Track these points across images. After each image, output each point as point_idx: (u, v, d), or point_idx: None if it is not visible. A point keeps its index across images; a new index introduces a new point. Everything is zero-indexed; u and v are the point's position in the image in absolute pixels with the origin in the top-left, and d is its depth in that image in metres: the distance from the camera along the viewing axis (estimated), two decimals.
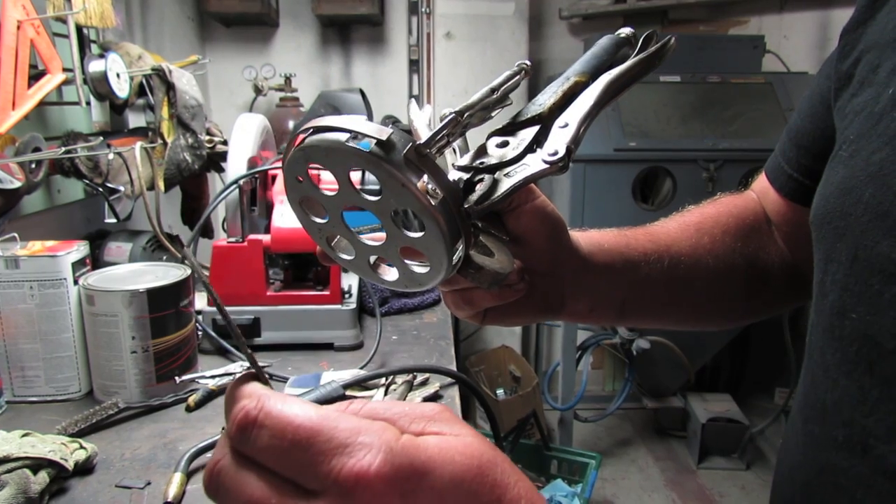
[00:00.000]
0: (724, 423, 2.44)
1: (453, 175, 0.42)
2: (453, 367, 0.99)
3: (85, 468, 0.71)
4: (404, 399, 0.88)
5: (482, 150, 0.43)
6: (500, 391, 2.49)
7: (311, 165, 0.39)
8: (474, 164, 0.42)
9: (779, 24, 2.75)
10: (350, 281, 1.16)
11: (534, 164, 0.40)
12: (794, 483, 0.46)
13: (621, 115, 2.16)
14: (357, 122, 0.36)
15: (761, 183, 0.61)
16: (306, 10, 2.36)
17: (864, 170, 0.39)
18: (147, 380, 0.86)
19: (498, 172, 0.41)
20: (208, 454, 0.74)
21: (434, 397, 0.90)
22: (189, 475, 0.70)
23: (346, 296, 1.11)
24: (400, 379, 0.91)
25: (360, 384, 0.89)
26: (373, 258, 0.45)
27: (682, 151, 2.15)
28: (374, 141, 0.35)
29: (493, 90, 0.42)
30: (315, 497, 0.26)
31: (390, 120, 1.73)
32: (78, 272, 0.88)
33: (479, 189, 0.41)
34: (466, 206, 0.40)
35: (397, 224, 0.40)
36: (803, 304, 0.57)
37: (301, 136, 0.39)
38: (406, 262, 0.43)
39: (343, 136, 0.36)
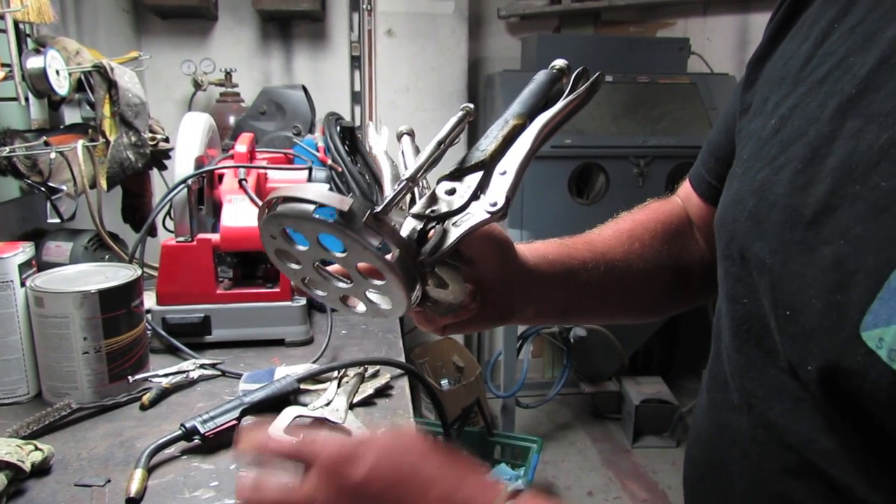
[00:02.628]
0: (655, 404, 2.58)
1: (409, 224, 0.48)
2: (402, 360, 1.04)
3: (42, 469, 0.72)
4: (356, 391, 0.92)
5: (433, 197, 0.49)
6: (444, 381, 2.55)
7: (284, 227, 0.45)
8: (426, 213, 0.48)
9: (702, 27, 2.90)
10: None
11: (477, 213, 0.46)
12: (700, 442, 0.54)
13: None
14: (322, 194, 0.42)
15: (685, 188, 0.69)
16: (246, 3, 2.34)
17: (750, 185, 0.46)
18: (100, 380, 0.87)
19: (447, 221, 0.47)
20: (168, 450, 0.76)
21: (385, 388, 0.94)
22: (149, 471, 0.72)
23: (295, 292, 1.14)
24: (352, 372, 0.95)
25: (314, 378, 0.93)
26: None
27: (615, 148, 2.25)
28: (337, 211, 0.41)
29: (440, 143, 0.48)
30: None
31: (333, 117, 1.75)
32: (24, 274, 0.87)
33: (432, 240, 0.47)
34: (421, 257, 0.46)
35: (363, 274, 0.47)
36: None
37: (272, 201, 0.45)
38: (372, 300, 0.49)
39: (310, 207, 0.42)
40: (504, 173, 0.47)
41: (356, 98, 2.59)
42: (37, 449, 0.72)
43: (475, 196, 0.47)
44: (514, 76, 2.38)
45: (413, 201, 0.49)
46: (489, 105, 2.53)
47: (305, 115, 1.99)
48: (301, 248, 0.47)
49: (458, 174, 0.49)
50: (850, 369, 0.35)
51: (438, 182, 0.49)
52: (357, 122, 2.56)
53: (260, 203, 1.10)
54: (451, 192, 0.48)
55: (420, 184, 0.49)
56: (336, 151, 1.64)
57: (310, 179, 1.25)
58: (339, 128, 1.68)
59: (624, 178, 2.26)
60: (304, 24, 2.48)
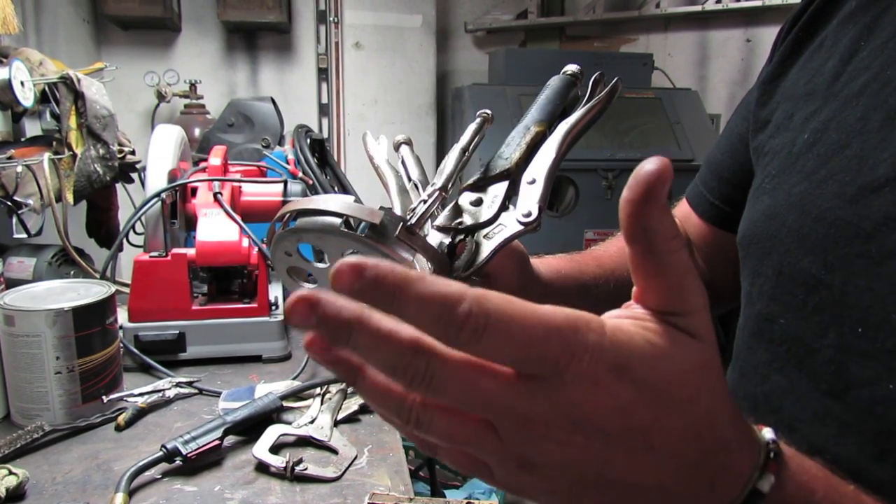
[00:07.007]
0: None
1: (435, 237, 0.44)
2: None
3: (16, 495, 0.69)
4: (340, 407, 0.90)
5: (457, 209, 0.45)
6: None
7: (302, 242, 0.41)
8: (453, 225, 0.44)
9: (664, 43, 2.98)
10: (276, 292, 1.16)
11: (510, 224, 0.43)
12: None
13: None
14: (350, 206, 0.38)
15: (683, 208, 0.69)
16: (210, 15, 2.31)
17: (786, 200, 0.45)
18: (72, 401, 0.84)
19: (477, 234, 0.44)
20: (148, 472, 0.74)
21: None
22: (131, 494, 0.70)
23: (273, 307, 1.12)
24: (334, 388, 0.93)
25: (296, 395, 0.91)
26: None
27: (584, 161, 2.29)
28: (368, 225, 0.38)
29: (464, 151, 0.45)
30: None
31: (303, 129, 1.73)
32: None
33: (464, 254, 0.44)
34: (454, 273, 0.43)
35: None
36: (715, 314, 0.66)
37: (287, 214, 0.41)
38: None
39: (337, 221, 0.39)
40: (533, 182, 0.44)
41: (323, 110, 2.57)
42: (11, 473, 0.69)
43: (504, 206, 0.44)
44: (483, 90, 2.40)
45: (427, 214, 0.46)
46: (458, 118, 2.54)
47: (274, 127, 1.97)
48: (320, 265, 0.44)
49: (482, 183, 0.46)
50: None
51: (461, 192, 0.47)
52: (325, 135, 2.54)
53: (236, 217, 1.08)
54: (477, 202, 0.45)
55: (423, 195, 0.47)
56: (307, 164, 1.63)
57: (285, 192, 1.23)
58: (308, 140, 1.67)
59: (593, 191, 2.30)
60: (269, 35, 2.46)
